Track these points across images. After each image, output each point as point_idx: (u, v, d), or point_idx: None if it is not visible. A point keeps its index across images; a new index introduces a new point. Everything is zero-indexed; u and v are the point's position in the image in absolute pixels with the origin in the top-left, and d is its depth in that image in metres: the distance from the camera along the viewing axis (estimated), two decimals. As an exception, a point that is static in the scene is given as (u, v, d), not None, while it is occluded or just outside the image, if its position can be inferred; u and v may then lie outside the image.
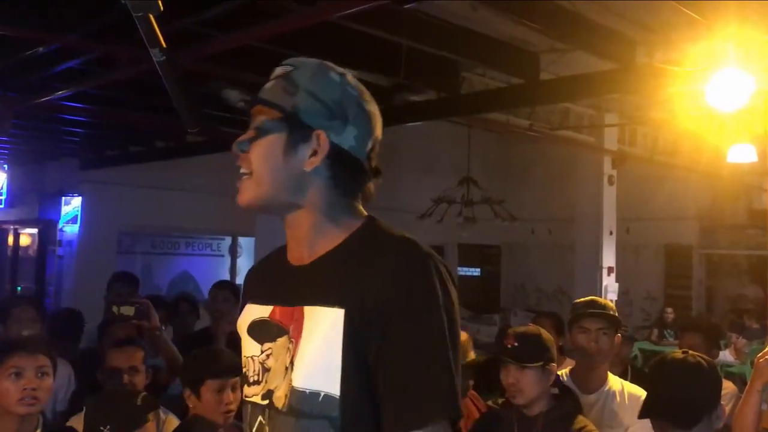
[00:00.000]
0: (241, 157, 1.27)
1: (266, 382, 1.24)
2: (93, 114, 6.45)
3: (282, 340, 1.22)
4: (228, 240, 11.63)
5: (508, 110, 6.86)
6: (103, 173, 9.08)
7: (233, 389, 2.50)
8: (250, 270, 1.47)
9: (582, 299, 2.89)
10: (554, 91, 5.62)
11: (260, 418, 1.23)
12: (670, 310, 9.72)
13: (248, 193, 1.26)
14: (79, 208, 9.23)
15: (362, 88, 1.29)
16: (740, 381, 5.17)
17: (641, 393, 2.53)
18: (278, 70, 1.29)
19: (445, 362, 1.11)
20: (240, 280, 10.81)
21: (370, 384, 1.13)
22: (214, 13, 3.79)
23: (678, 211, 10.72)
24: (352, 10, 3.45)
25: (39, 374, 2.31)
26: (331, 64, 1.28)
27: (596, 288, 8.22)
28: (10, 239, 11.05)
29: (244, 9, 3.74)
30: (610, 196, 8.60)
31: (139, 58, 3.85)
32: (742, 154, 6.73)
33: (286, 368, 1.19)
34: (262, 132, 1.25)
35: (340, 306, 1.14)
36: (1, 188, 10.41)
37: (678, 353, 2.08)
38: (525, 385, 2.32)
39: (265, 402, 1.22)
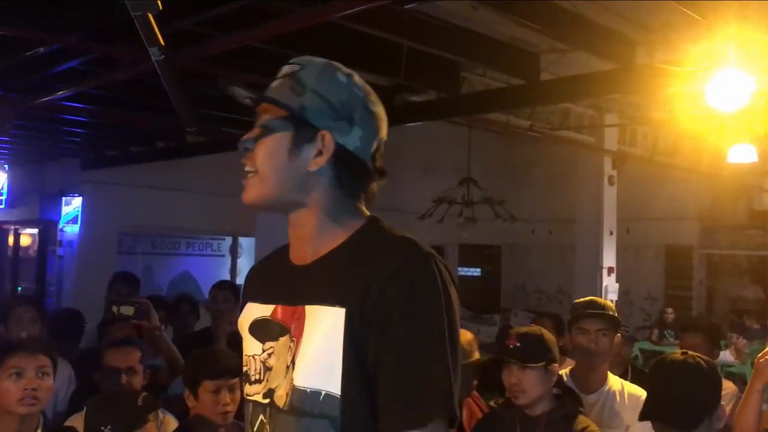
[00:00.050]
0: (246, 156, 1.27)
1: (268, 381, 1.24)
2: (93, 114, 6.45)
3: (284, 339, 1.23)
4: (228, 240, 11.64)
5: (508, 110, 6.86)
6: (104, 173, 9.08)
7: (230, 390, 2.50)
8: (252, 269, 1.47)
9: (581, 299, 2.89)
10: (554, 92, 5.62)
11: (261, 416, 1.24)
12: (670, 310, 9.71)
13: (253, 191, 1.26)
14: (80, 209, 9.24)
15: (368, 89, 1.29)
16: (740, 381, 5.17)
17: (641, 393, 2.53)
18: (285, 69, 1.29)
19: (444, 363, 1.12)
20: (240, 280, 10.79)
21: (371, 383, 1.13)
22: (215, 14, 3.79)
23: (678, 211, 10.71)
24: (353, 11, 3.45)
25: (39, 374, 2.32)
26: (338, 64, 1.29)
27: (596, 288, 8.22)
28: (11, 239, 11.05)
29: (245, 9, 3.75)
30: (610, 196, 8.60)
31: (140, 59, 3.85)
32: (742, 155, 6.74)
33: (288, 367, 1.20)
34: (267, 130, 1.25)
35: (341, 305, 1.15)
36: (2, 188, 10.42)
37: (678, 354, 2.08)
38: (527, 385, 2.32)
39: (267, 401, 1.23)
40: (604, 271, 8.43)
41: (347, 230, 1.25)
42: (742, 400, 2.41)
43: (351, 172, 1.26)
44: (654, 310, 10.83)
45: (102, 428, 2.13)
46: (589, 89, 5.40)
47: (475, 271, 13.49)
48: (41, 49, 4.38)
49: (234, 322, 3.71)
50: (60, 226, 9.45)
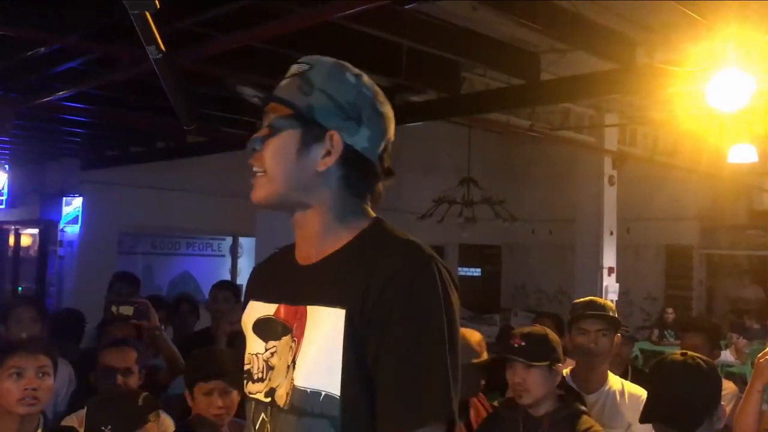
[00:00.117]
0: (254, 156, 1.27)
1: (270, 380, 1.24)
2: (94, 114, 6.45)
3: (286, 339, 1.23)
4: (229, 240, 11.64)
5: (508, 110, 6.86)
6: (104, 173, 9.08)
7: (223, 393, 2.51)
8: (256, 267, 1.48)
9: (581, 300, 2.88)
10: (555, 92, 5.63)
11: (263, 415, 1.24)
12: (670, 310, 9.71)
13: (261, 190, 1.27)
14: (80, 209, 9.24)
15: (377, 89, 1.29)
16: (741, 381, 5.17)
17: (642, 393, 2.53)
18: (294, 68, 1.29)
19: (443, 365, 1.12)
20: (241, 280, 10.82)
21: (371, 384, 1.13)
22: (215, 14, 3.79)
23: (678, 211, 10.71)
24: (353, 11, 3.45)
25: (40, 374, 2.32)
26: (347, 64, 1.29)
27: (597, 288, 8.22)
28: (11, 239, 11.06)
29: (245, 9, 3.75)
30: (610, 196, 8.60)
31: (140, 59, 3.85)
32: (742, 155, 6.74)
33: (288, 367, 1.20)
34: (275, 130, 1.25)
35: (341, 306, 1.15)
36: (2, 188, 10.42)
37: (677, 354, 2.08)
38: (531, 384, 2.31)
39: (268, 399, 1.23)
40: (605, 271, 8.43)
41: (352, 231, 1.25)
42: (742, 401, 2.41)
43: (359, 173, 1.26)
44: (654, 310, 10.83)
45: (102, 428, 2.13)
46: (589, 89, 5.40)
47: (475, 271, 13.49)
48: (41, 49, 4.38)
49: (234, 322, 3.74)
50: (60, 226, 9.46)
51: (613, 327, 2.75)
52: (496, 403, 2.53)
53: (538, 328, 2.51)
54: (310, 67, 1.27)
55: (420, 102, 5.96)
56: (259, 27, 3.75)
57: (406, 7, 3.68)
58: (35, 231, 10.51)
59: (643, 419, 2.01)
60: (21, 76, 5.16)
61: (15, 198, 10.41)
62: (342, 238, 1.25)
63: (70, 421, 2.60)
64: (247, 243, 11.45)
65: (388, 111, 1.30)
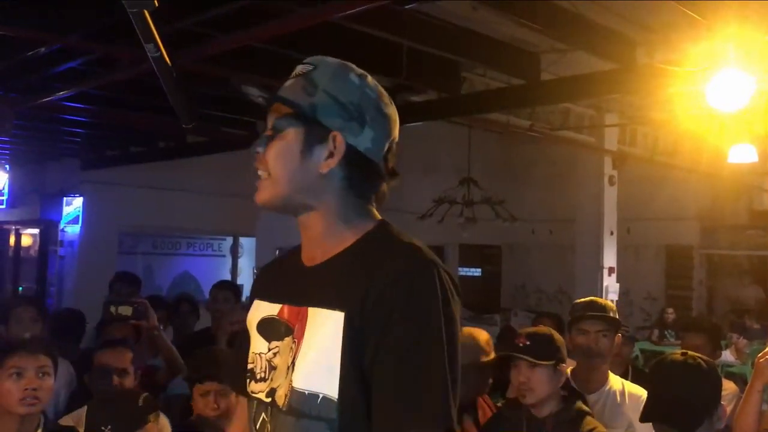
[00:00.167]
0: (257, 158, 1.27)
1: (271, 380, 1.24)
2: (94, 114, 6.45)
3: (288, 339, 1.23)
4: (229, 240, 11.65)
5: (508, 110, 6.86)
6: (104, 173, 9.09)
7: (219, 395, 2.51)
8: (263, 267, 1.48)
9: (582, 300, 2.88)
10: (555, 92, 5.63)
11: (264, 415, 1.24)
12: (670, 310, 9.70)
13: (265, 193, 1.26)
14: (81, 209, 9.25)
15: (381, 90, 1.29)
16: (741, 381, 5.17)
17: (642, 393, 2.53)
18: (298, 69, 1.28)
19: (441, 370, 1.11)
20: (241, 280, 10.83)
21: (369, 388, 1.13)
22: (215, 14, 3.79)
23: (678, 211, 10.71)
24: (353, 11, 3.45)
25: (40, 374, 2.32)
26: (351, 65, 1.28)
27: (597, 288, 8.22)
28: (12, 239, 11.07)
29: (245, 9, 3.75)
30: (610, 196, 8.60)
31: (140, 59, 3.85)
32: (742, 155, 6.74)
33: (288, 368, 1.20)
34: (278, 131, 1.25)
35: (341, 309, 1.15)
36: (3, 188, 10.42)
37: (678, 354, 2.08)
38: (536, 383, 2.30)
39: (269, 400, 1.23)
40: (605, 271, 8.43)
41: (356, 233, 1.25)
42: (742, 401, 2.41)
43: (362, 174, 1.25)
44: (654, 310, 10.83)
45: (102, 428, 2.13)
46: (589, 89, 5.40)
47: (476, 271, 13.49)
48: (41, 49, 4.39)
49: (234, 322, 3.73)
50: (61, 226, 9.46)
51: (613, 327, 2.74)
52: (499, 404, 2.53)
53: (543, 329, 2.50)
54: (314, 67, 1.26)
55: (420, 102, 5.96)
56: (259, 27, 3.75)
57: (406, 7, 3.69)
58: (36, 231, 10.51)
59: (643, 419, 2.01)
60: (21, 76, 5.16)
61: (15, 198, 10.42)
62: (346, 239, 1.24)
63: (67, 420, 2.60)
64: (247, 243, 11.45)
65: (393, 112, 1.29)
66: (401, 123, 1.34)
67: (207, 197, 9.40)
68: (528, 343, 2.35)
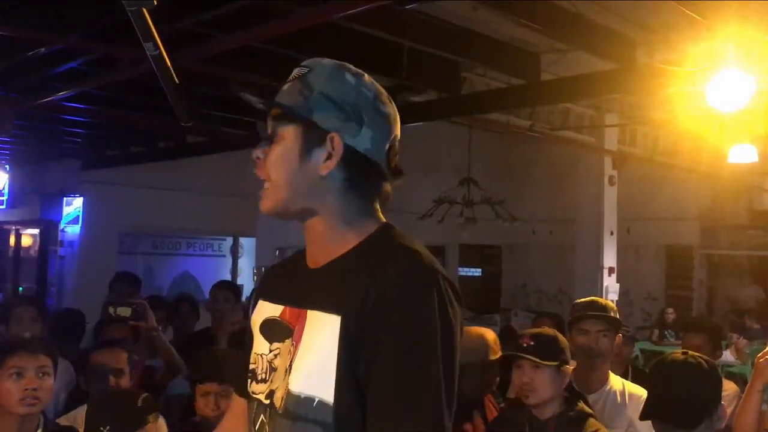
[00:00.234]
0: (258, 165, 1.27)
1: (271, 381, 1.24)
2: (94, 114, 6.46)
3: (288, 342, 1.23)
4: (229, 240, 11.65)
5: (508, 111, 6.87)
6: (104, 173, 9.09)
7: (220, 396, 2.52)
8: (269, 268, 1.49)
9: (582, 300, 2.88)
10: (555, 92, 5.63)
11: (263, 416, 1.24)
12: (670, 310, 9.70)
13: (268, 200, 1.26)
14: (81, 209, 9.25)
15: (379, 89, 1.28)
16: (741, 381, 5.16)
17: (642, 392, 2.53)
18: (295, 72, 1.28)
19: (435, 377, 1.10)
20: (241, 280, 10.84)
21: (363, 394, 1.12)
22: (215, 14, 3.79)
23: (679, 211, 10.71)
24: (353, 11, 3.45)
25: (40, 374, 2.31)
26: (348, 65, 1.27)
27: (597, 288, 8.22)
28: (12, 239, 11.07)
29: (245, 9, 3.75)
30: (610, 196, 8.60)
31: (140, 59, 3.85)
32: (742, 155, 6.74)
33: (286, 370, 1.20)
34: (276, 137, 1.25)
35: (337, 313, 1.14)
36: (3, 189, 10.43)
37: (678, 354, 2.08)
38: (539, 383, 2.29)
39: (268, 401, 1.23)
40: (605, 272, 8.43)
41: (359, 235, 1.24)
42: (742, 400, 2.41)
43: (362, 174, 1.25)
44: (654, 310, 10.83)
45: (102, 428, 2.13)
46: (589, 89, 5.40)
47: (476, 271, 13.49)
48: (42, 49, 4.39)
49: (234, 323, 3.73)
50: (61, 226, 9.47)
51: (614, 328, 2.74)
52: (501, 404, 2.53)
53: (546, 329, 2.49)
54: (310, 70, 1.26)
55: (420, 102, 5.96)
56: (259, 27, 3.75)
57: (406, 7, 3.68)
58: (36, 231, 10.52)
59: (643, 416, 2.01)
60: (21, 76, 5.16)
61: (15, 198, 10.42)
62: (349, 241, 1.24)
63: (64, 420, 2.60)
64: (247, 243, 11.46)
65: (392, 110, 1.29)
66: (401, 123, 1.34)
67: (207, 197, 9.41)
68: (532, 343, 2.34)
